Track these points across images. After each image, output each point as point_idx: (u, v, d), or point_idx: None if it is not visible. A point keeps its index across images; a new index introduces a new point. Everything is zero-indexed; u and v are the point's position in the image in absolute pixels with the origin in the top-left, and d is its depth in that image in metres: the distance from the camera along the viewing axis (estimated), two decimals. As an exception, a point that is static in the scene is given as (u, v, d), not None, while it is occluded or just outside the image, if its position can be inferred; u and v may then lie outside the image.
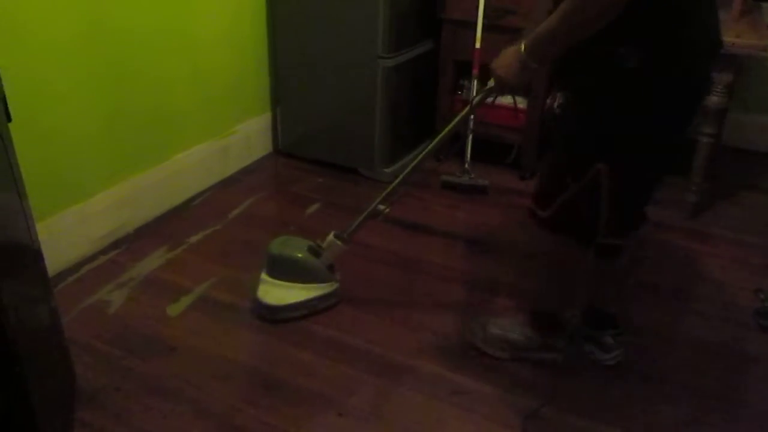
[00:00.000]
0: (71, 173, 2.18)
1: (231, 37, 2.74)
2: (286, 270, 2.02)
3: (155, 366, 1.83)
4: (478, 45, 2.72)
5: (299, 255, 2.03)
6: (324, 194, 2.79)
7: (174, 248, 2.36)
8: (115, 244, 2.35)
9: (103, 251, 2.30)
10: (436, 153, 3.07)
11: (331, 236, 2.04)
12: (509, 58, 1.56)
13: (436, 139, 1.97)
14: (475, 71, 2.79)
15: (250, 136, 2.97)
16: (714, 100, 2.44)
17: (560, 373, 1.83)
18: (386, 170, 2.90)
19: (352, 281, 2.19)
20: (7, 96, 1.40)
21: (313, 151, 3.02)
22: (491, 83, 1.70)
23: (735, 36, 2.36)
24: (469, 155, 2.87)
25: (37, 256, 1.58)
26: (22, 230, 1.46)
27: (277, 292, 2.02)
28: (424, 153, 2.01)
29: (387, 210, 2.02)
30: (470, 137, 2.86)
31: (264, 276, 2.05)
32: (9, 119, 1.41)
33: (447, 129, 1.95)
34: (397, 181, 2.04)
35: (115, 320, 2.00)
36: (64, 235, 2.17)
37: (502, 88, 1.67)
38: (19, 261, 1.42)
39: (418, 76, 2.95)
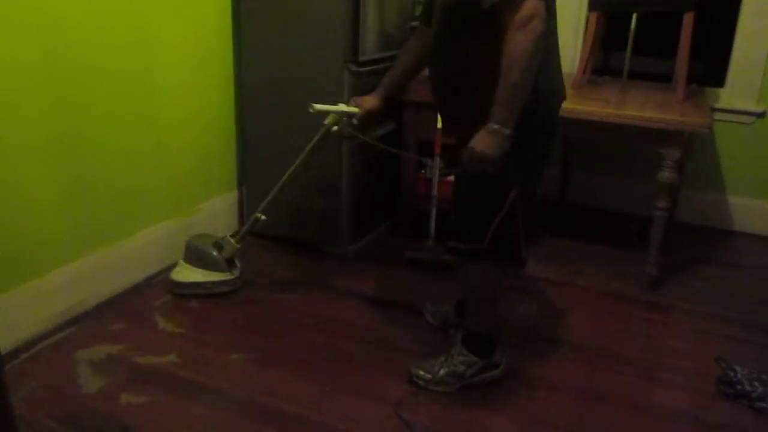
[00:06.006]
0: (29, 248, 2.15)
1: (198, 117, 2.79)
2: (193, 257, 2.54)
3: (109, 445, 1.75)
4: (439, 125, 2.81)
5: (203, 245, 2.55)
6: (288, 272, 2.79)
7: (132, 325, 2.31)
8: (73, 321, 2.29)
9: (59, 328, 2.24)
10: (401, 232, 3.13)
11: (228, 236, 2.56)
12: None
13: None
14: (437, 150, 2.88)
15: (215, 215, 2.97)
16: (665, 175, 2.54)
17: None
18: (350, 248, 2.92)
19: (325, 359, 2.19)
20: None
21: (278, 230, 3.03)
22: None
23: (681, 115, 2.50)
24: (433, 231, 2.91)
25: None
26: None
27: (183, 273, 2.53)
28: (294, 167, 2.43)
29: (263, 218, 2.48)
30: (434, 213, 2.91)
31: (180, 261, 2.56)
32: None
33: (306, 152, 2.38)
34: (275, 189, 2.47)
35: (68, 399, 1.93)
36: (20, 311, 2.12)
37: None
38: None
39: (383, 155, 3.02)
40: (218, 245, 2.55)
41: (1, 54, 1.96)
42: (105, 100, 2.32)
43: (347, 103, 2.28)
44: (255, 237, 3.05)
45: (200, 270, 2.51)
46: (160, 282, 2.62)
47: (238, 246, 2.55)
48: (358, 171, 2.86)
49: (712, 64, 3.48)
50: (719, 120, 3.27)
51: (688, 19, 2.74)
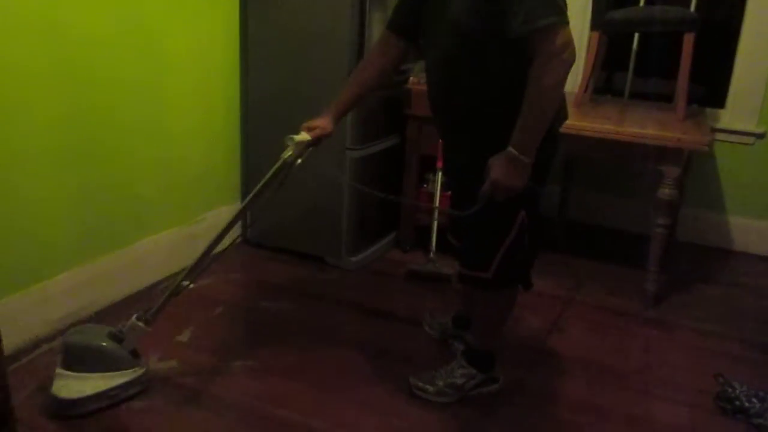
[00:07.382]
0: (33, 252, 2.17)
1: (203, 129, 2.83)
2: (83, 360, 1.89)
3: (107, 448, 1.76)
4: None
5: (96, 342, 1.91)
6: (290, 282, 2.80)
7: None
8: (74, 326, 2.29)
9: (61, 332, 2.25)
10: (403, 245, 3.14)
11: (133, 319, 1.95)
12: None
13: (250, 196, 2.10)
14: (439, 165, 2.90)
15: (218, 225, 2.97)
16: (665, 192, 2.56)
17: None
18: (352, 259, 2.93)
19: (324, 369, 2.20)
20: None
21: (281, 241, 3.06)
22: None
23: (681, 133, 2.52)
24: (434, 245, 2.93)
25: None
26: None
27: (73, 385, 1.86)
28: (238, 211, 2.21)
29: (190, 285, 2.01)
30: (435, 226, 2.93)
31: (59, 370, 1.89)
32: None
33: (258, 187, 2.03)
34: (199, 255, 2.02)
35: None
36: (23, 314, 2.13)
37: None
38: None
39: (385, 169, 3.05)
40: (115, 336, 1.94)
41: (14, 62, 1.99)
42: (113, 108, 2.36)
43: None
44: (258, 248, 3.09)
45: (96, 375, 1.88)
46: (162, 291, 2.63)
47: (149, 329, 1.97)
48: (360, 183, 2.88)
49: (712, 86, 3.52)
50: (720, 140, 3.30)
51: (688, 40, 2.77)
